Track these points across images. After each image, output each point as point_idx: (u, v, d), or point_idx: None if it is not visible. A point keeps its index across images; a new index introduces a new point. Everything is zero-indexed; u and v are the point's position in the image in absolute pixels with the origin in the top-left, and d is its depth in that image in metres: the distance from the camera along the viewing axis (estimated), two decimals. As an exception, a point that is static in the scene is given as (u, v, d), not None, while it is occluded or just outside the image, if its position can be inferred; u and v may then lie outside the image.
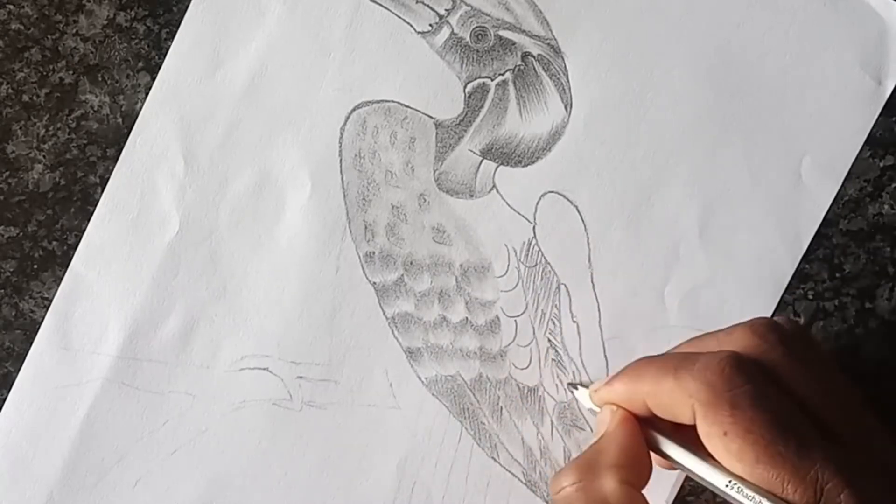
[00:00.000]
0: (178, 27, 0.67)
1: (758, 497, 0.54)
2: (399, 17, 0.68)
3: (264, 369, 0.69)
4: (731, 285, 0.71)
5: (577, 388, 0.68)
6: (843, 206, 0.72)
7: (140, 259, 0.67)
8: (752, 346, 0.58)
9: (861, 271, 0.73)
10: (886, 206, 0.72)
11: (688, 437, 0.59)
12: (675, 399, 0.57)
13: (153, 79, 0.67)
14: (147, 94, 0.67)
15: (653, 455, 0.61)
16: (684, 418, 0.57)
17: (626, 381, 0.61)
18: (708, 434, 0.55)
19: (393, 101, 0.68)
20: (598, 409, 0.65)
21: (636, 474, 0.59)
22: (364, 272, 0.69)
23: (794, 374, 0.57)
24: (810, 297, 0.72)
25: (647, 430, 0.61)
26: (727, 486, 0.55)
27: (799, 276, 0.72)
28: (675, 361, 0.58)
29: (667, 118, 0.70)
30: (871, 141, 0.71)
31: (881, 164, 0.72)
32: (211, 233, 0.68)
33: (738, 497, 0.55)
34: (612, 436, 0.60)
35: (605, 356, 0.70)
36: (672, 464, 0.60)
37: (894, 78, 0.71)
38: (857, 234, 0.72)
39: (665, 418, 0.59)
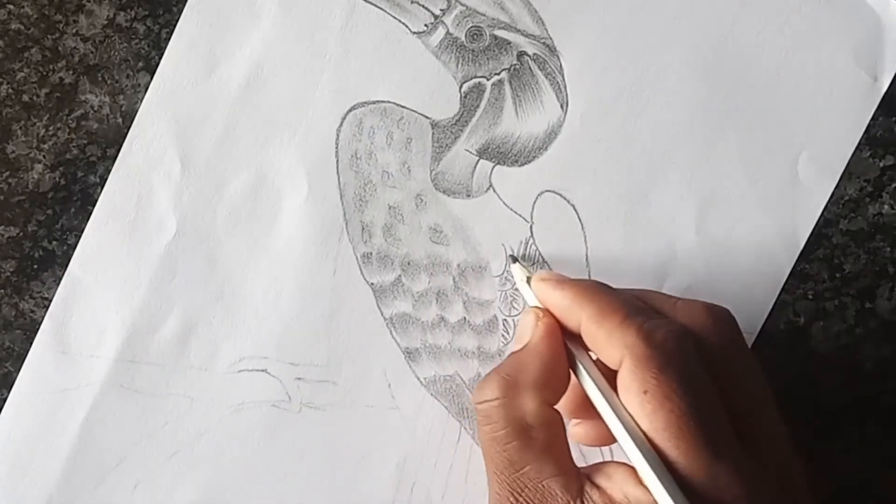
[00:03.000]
0: (177, 27, 0.67)
1: (645, 454, 0.54)
2: (394, 17, 0.68)
3: (262, 371, 0.68)
4: (728, 282, 0.71)
5: (515, 261, 0.69)
6: (843, 206, 0.72)
7: (137, 262, 0.67)
8: (704, 327, 0.59)
9: (861, 271, 0.73)
10: (886, 206, 0.72)
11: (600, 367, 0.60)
12: (612, 341, 0.57)
13: (153, 79, 0.67)
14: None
15: None
16: (610, 361, 0.58)
17: (574, 296, 0.60)
18: (627, 387, 0.56)
19: (389, 102, 0.68)
20: (528, 298, 0.65)
21: (555, 392, 0.60)
22: (361, 273, 0.69)
23: (730, 370, 0.58)
24: (810, 297, 0.72)
25: (568, 346, 0.61)
26: (619, 429, 0.56)
27: (799, 276, 0.72)
28: (626, 307, 0.58)
29: (663, 116, 0.70)
30: (871, 141, 0.71)
31: (881, 164, 0.72)
32: (208, 235, 0.68)
33: (626, 445, 0.55)
34: (535, 350, 0.61)
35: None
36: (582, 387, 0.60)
37: (890, 74, 0.71)
38: (857, 234, 0.72)
39: (588, 347, 0.60)
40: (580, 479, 0.58)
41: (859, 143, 0.71)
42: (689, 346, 0.57)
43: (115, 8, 0.67)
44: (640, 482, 0.55)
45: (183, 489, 0.69)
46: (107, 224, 0.67)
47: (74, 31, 0.67)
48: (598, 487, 0.57)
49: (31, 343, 0.67)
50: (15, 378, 0.67)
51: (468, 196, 0.69)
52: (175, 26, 0.67)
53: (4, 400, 0.67)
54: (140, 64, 0.67)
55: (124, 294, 0.67)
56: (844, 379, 0.73)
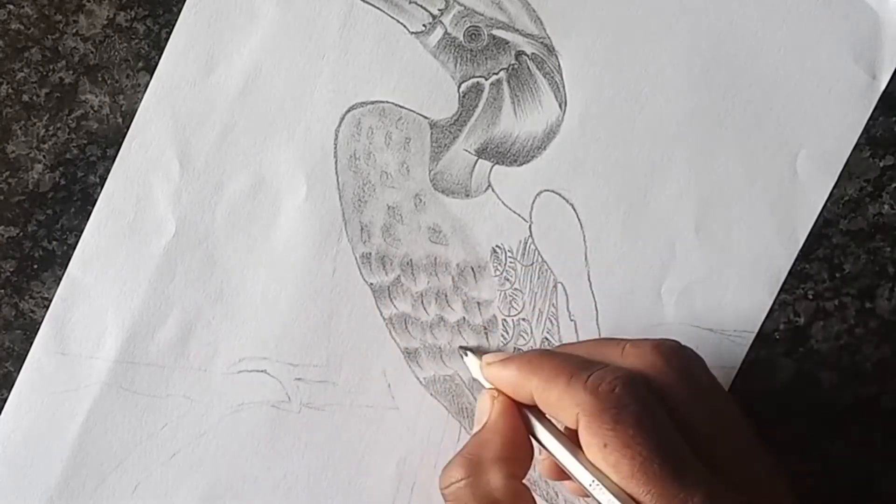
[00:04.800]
0: (177, 28, 0.67)
1: (617, 502, 0.55)
2: (392, 17, 0.68)
3: (262, 371, 0.68)
4: (727, 282, 0.71)
5: (466, 354, 0.69)
6: (843, 206, 0.72)
7: (136, 263, 0.67)
8: (653, 366, 0.59)
9: (861, 271, 0.73)
10: (886, 206, 0.72)
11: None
12: (563, 403, 0.58)
13: (152, 79, 0.67)
14: (147, 95, 0.67)
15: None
16: (567, 422, 0.58)
17: (520, 371, 0.61)
18: (588, 444, 0.56)
19: (387, 102, 0.68)
20: (483, 382, 0.66)
21: (520, 465, 0.61)
22: (361, 273, 0.69)
23: (687, 401, 0.58)
24: (810, 297, 0.72)
25: (527, 416, 0.62)
26: (591, 484, 0.56)
27: (799, 276, 0.72)
28: (570, 367, 0.59)
29: (661, 115, 0.70)
30: (871, 141, 0.71)
31: (881, 164, 0.72)
32: (207, 235, 0.68)
33: (601, 497, 0.55)
34: (494, 427, 0.62)
35: (604, 354, 0.70)
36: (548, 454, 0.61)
37: (889, 72, 0.71)
38: (857, 234, 0.72)
39: (545, 412, 0.61)
40: None
41: (859, 143, 0.71)
42: (639, 388, 0.57)
43: (115, 8, 0.67)
44: None
45: (183, 490, 0.68)
46: (106, 225, 0.67)
47: (74, 31, 0.67)
48: None
49: (31, 343, 0.67)
50: (15, 378, 0.67)
51: (467, 196, 0.69)
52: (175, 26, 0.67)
53: (4, 400, 0.67)
54: (140, 64, 0.67)
55: (124, 295, 0.67)
56: (844, 379, 0.73)
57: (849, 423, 0.73)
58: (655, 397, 0.57)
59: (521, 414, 0.62)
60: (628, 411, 0.55)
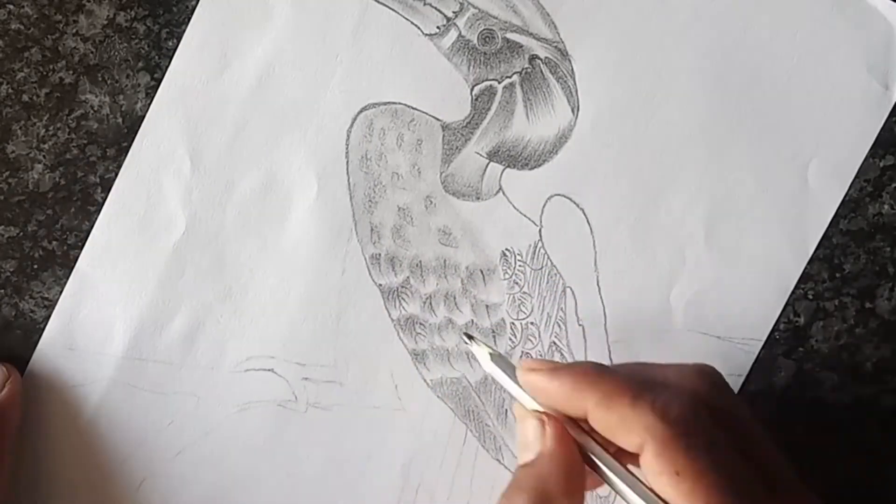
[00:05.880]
0: (178, 27, 0.66)
1: None
2: (406, 19, 0.68)
3: (269, 370, 0.69)
4: (736, 289, 0.71)
5: (472, 340, 0.65)
6: (843, 206, 0.72)
7: (146, 260, 0.67)
8: (704, 390, 0.58)
9: (861, 271, 0.73)
10: (886, 206, 0.72)
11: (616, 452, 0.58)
12: (627, 426, 0.55)
13: (153, 79, 0.67)
14: (147, 95, 0.67)
15: None
16: (627, 445, 0.55)
17: (575, 383, 0.57)
18: (659, 472, 0.53)
19: (400, 104, 0.68)
20: (512, 386, 0.61)
21: (581, 494, 0.58)
22: (370, 274, 0.69)
23: (739, 425, 0.57)
24: (810, 297, 0.73)
25: (581, 439, 0.58)
26: None
27: (799, 276, 0.72)
28: (633, 387, 0.56)
29: (673, 122, 0.70)
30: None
31: (881, 164, 0.72)
32: (217, 234, 0.67)
33: None
34: (553, 458, 0.57)
35: (611, 359, 0.70)
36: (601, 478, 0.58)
37: (901, 82, 0.71)
38: (857, 234, 0.72)
39: (599, 432, 0.57)
40: None
41: (858, 143, 0.72)
42: (703, 414, 0.55)
43: (115, 8, 0.67)
44: None
45: (189, 487, 0.69)
46: (116, 221, 0.67)
47: (74, 31, 0.66)
48: None
49: (31, 343, 0.67)
50: (17, 377, 0.67)
51: (478, 199, 0.69)
52: (176, 26, 0.66)
53: (10, 397, 0.67)
54: (140, 64, 0.67)
55: (132, 291, 0.67)
56: (844, 379, 0.74)
57: (849, 423, 0.74)
58: (716, 420, 0.55)
59: (576, 439, 0.58)
60: (699, 438, 0.54)
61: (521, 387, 0.60)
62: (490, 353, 0.63)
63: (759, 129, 0.70)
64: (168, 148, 0.67)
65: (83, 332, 0.67)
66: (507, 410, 0.70)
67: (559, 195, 0.69)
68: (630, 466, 0.57)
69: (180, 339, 0.68)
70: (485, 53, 0.68)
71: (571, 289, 0.70)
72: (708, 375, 0.59)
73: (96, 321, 0.67)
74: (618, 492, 0.57)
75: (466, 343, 0.65)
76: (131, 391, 0.68)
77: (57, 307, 0.67)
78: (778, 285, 0.71)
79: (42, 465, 0.68)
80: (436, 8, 0.67)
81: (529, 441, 0.58)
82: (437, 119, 0.68)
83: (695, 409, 0.55)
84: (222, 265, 0.68)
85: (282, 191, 0.68)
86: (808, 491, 0.58)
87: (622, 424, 0.55)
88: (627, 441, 0.55)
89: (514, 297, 0.70)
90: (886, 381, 0.74)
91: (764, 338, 0.71)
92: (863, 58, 0.71)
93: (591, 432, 0.58)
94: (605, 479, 0.57)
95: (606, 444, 0.58)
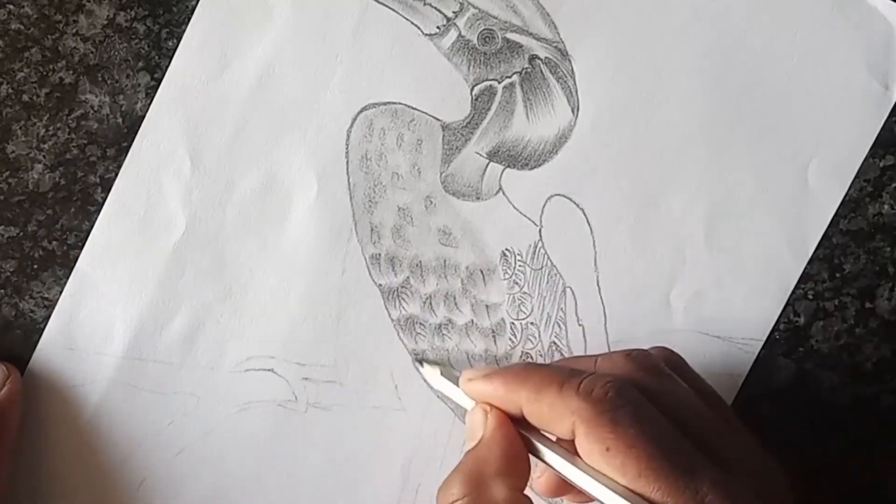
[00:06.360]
0: (178, 27, 0.66)
1: None
2: (406, 19, 0.67)
3: (269, 370, 0.69)
4: (736, 289, 0.71)
5: (422, 365, 0.69)
6: (842, 206, 0.72)
7: (146, 259, 0.67)
8: (631, 372, 0.60)
9: (861, 271, 0.73)
10: (886, 206, 0.72)
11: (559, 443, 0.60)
12: (556, 412, 0.58)
13: (153, 79, 0.67)
14: (147, 95, 0.67)
15: None
16: (560, 432, 0.58)
17: (506, 384, 0.61)
18: (590, 451, 0.56)
19: (400, 104, 0.68)
20: (449, 394, 0.66)
21: (520, 477, 0.60)
22: (370, 274, 0.69)
23: (672, 399, 0.59)
24: (810, 297, 0.73)
25: (522, 432, 0.61)
26: (597, 490, 0.56)
27: (799, 276, 0.72)
28: (559, 376, 0.59)
29: (673, 122, 0.70)
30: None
31: (881, 164, 0.72)
32: (217, 234, 0.67)
33: (610, 502, 0.55)
34: (492, 441, 0.61)
35: (611, 359, 0.70)
36: (547, 465, 0.60)
37: (902, 82, 0.71)
38: (857, 234, 0.72)
39: (536, 426, 0.60)
40: None
41: (857, 143, 0.72)
42: (630, 389, 0.57)
43: (115, 8, 0.66)
44: None
45: (188, 487, 0.69)
46: (116, 221, 0.67)
47: (74, 31, 0.66)
48: None
49: (31, 343, 0.67)
50: (16, 377, 0.67)
51: (478, 199, 0.69)
52: (176, 26, 0.66)
53: (7, 398, 0.67)
54: (140, 64, 0.67)
55: (132, 291, 0.67)
56: (844, 379, 0.74)
57: (849, 423, 0.74)
58: (644, 396, 0.57)
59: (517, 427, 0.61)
60: (625, 412, 0.56)
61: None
62: (441, 371, 0.67)
63: (759, 129, 0.70)
64: (168, 148, 0.67)
65: (83, 332, 0.67)
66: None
67: (559, 195, 0.69)
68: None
69: (180, 339, 0.68)
70: (485, 53, 0.68)
71: (571, 289, 0.70)
72: (635, 359, 0.61)
73: (96, 321, 0.67)
74: (560, 472, 0.59)
75: (418, 370, 0.69)
76: (131, 391, 0.68)
77: (57, 307, 0.67)
78: (778, 285, 0.71)
79: (42, 465, 0.67)
80: (436, 8, 0.67)
81: (474, 430, 0.62)
82: (437, 119, 0.68)
83: (620, 387, 0.57)
84: (222, 265, 0.68)
85: (282, 191, 0.68)
86: (774, 468, 0.59)
87: (552, 412, 0.58)
88: (560, 428, 0.57)
89: (514, 297, 0.70)
90: (886, 381, 0.74)
91: (764, 338, 0.71)
92: (863, 58, 0.71)
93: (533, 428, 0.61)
94: (547, 463, 0.60)
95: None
